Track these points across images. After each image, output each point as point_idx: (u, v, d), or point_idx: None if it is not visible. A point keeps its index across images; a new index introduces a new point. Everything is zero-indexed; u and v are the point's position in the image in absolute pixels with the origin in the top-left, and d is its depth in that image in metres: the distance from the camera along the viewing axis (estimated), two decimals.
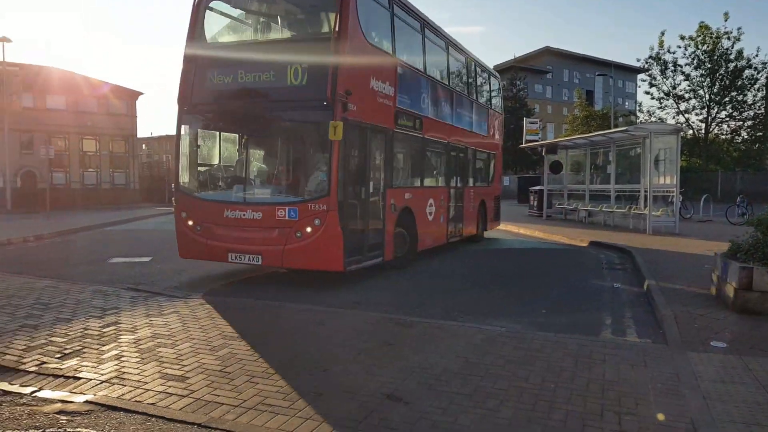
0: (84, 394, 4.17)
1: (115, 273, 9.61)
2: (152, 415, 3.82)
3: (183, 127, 9.17)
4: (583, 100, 55.23)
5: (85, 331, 5.74)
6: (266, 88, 8.66)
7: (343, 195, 8.20)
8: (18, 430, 3.59)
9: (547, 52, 78.22)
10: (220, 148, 9.80)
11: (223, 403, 4.00)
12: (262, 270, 9.75)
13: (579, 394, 4.21)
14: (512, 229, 19.03)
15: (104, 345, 5.30)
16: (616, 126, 41.02)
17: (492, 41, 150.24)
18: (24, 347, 5.18)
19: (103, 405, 3.97)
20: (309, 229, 8.04)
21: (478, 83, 15.44)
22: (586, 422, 3.76)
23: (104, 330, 5.81)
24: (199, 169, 9.51)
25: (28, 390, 4.26)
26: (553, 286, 9.37)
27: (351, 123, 8.25)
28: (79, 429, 3.60)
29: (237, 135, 9.72)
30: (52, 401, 4.08)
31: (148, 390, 4.23)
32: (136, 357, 4.98)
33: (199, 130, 9.35)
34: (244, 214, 8.47)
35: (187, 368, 4.70)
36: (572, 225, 19.77)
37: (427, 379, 4.47)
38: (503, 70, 59.26)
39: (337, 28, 8.28)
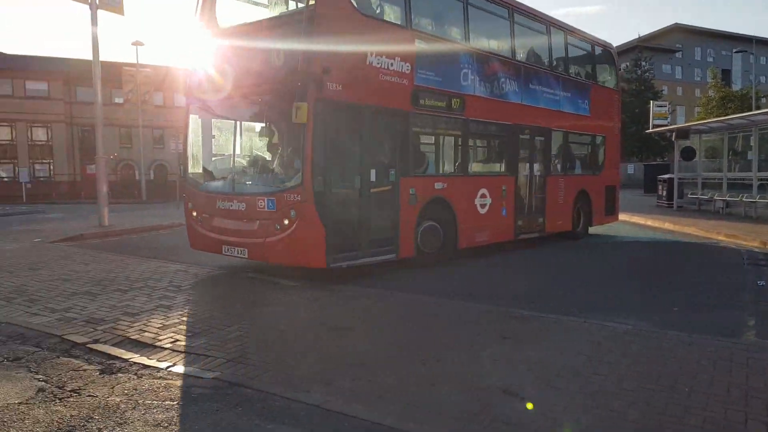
0: (212, 371, 4.43)
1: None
2: (272, 393, 3.97)
3: (190, 117, 9.09)
4: (719, 80, 50.51)
5: (212, 313, 6.12)
6: (256, 72, 8.11)
7: (324, 184, 7.55)
8: (156, 400, 3.89)
9: (677, 29, 72.25)
10: (218, 137, 9.55)
11: (335, 387, 4.07)
12: None
13: (718, 400, 3.82)
14: (638, 221, 17.84)
15: (229, 326, 5.60)
16: (757, 107, 37.22)
17: (613, 21, 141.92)
18: (160, 326, 5.62)
19: (229, 382, 4.19)
20: (286, 221, 7.47)
21: (572, 55, 13.57)
22: (727, 431, 3.40)
23: (228, 311, 6.17)
24: (201, 159, 9.38)
25: (164, 365, 4.61)
26: (687, 283, 8.63)
27: (335, 104, 7.63)
28: (208, 403, 3.84)
29: (231, 123, 9.19)
30: (184, 376, 4.37)
31: (269, 371, 4.41)
32: (257, 338, 5.22)
33: (200, 120, 9.17)
34: (231, 205, 8.13)
35: (305, 352, 4.85)
36: (707, 216, 18.17)
37: (546, 376, 4.27)
38: (626, 50, 55.60)
39: (312, 0, 7.45)
